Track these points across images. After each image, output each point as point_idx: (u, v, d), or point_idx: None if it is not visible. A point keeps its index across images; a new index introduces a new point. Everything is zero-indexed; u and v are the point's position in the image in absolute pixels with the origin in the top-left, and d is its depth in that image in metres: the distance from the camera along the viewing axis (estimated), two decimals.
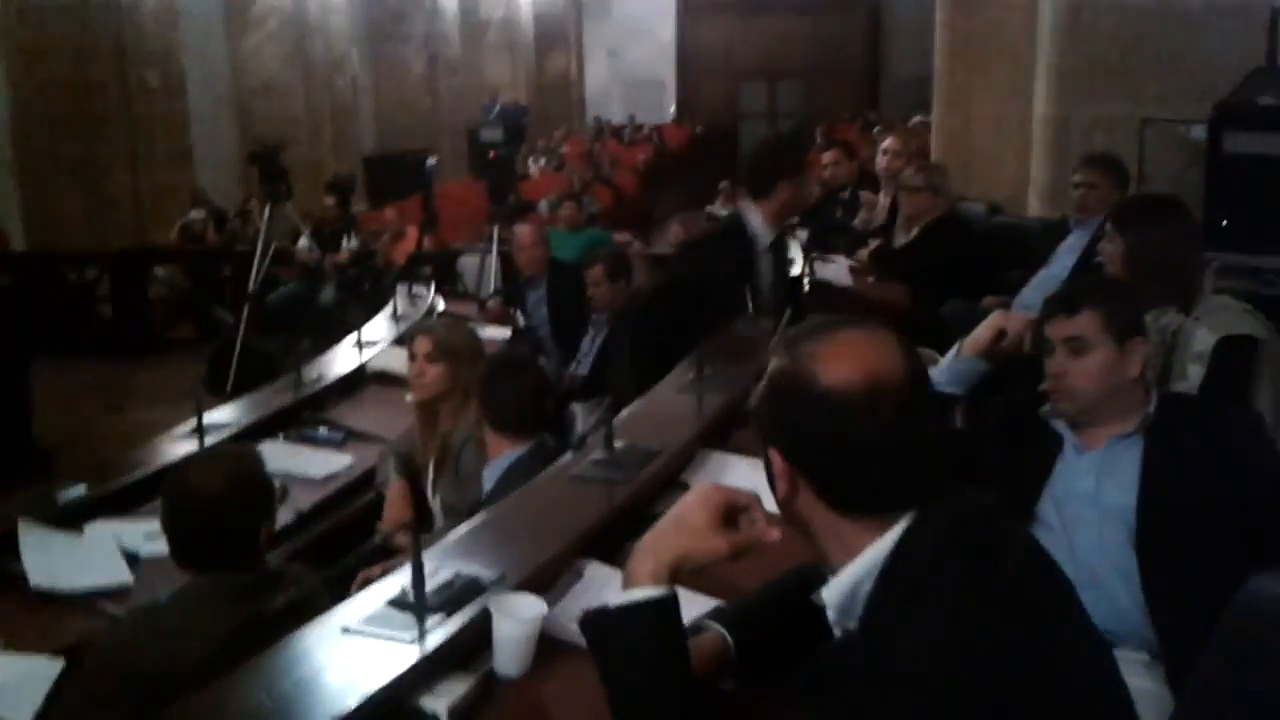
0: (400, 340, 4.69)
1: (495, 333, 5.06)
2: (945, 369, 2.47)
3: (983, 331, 2.45)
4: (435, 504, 3.26)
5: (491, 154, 6.82)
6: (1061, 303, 2.28)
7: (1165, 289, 3.03)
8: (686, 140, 18.24)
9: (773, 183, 3.65)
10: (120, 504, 3.08)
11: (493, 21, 17.40)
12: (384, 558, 2.85)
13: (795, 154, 3.97)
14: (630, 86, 20.64)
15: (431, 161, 8.46)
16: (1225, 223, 5.11)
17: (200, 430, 3.45)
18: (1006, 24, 7.16)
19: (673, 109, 20.26)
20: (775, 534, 1.41)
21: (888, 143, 6.06)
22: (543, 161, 13.94)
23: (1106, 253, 3.15)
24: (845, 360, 1.34)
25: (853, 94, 18.83)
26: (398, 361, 4.04)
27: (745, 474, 2.27)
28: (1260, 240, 5.06)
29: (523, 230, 5.93)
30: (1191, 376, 2.97)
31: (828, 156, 6.76)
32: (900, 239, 5.17)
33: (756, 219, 3.69)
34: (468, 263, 7.59)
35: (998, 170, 6.66)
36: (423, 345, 3.41)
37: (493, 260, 6.82)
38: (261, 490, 2.27)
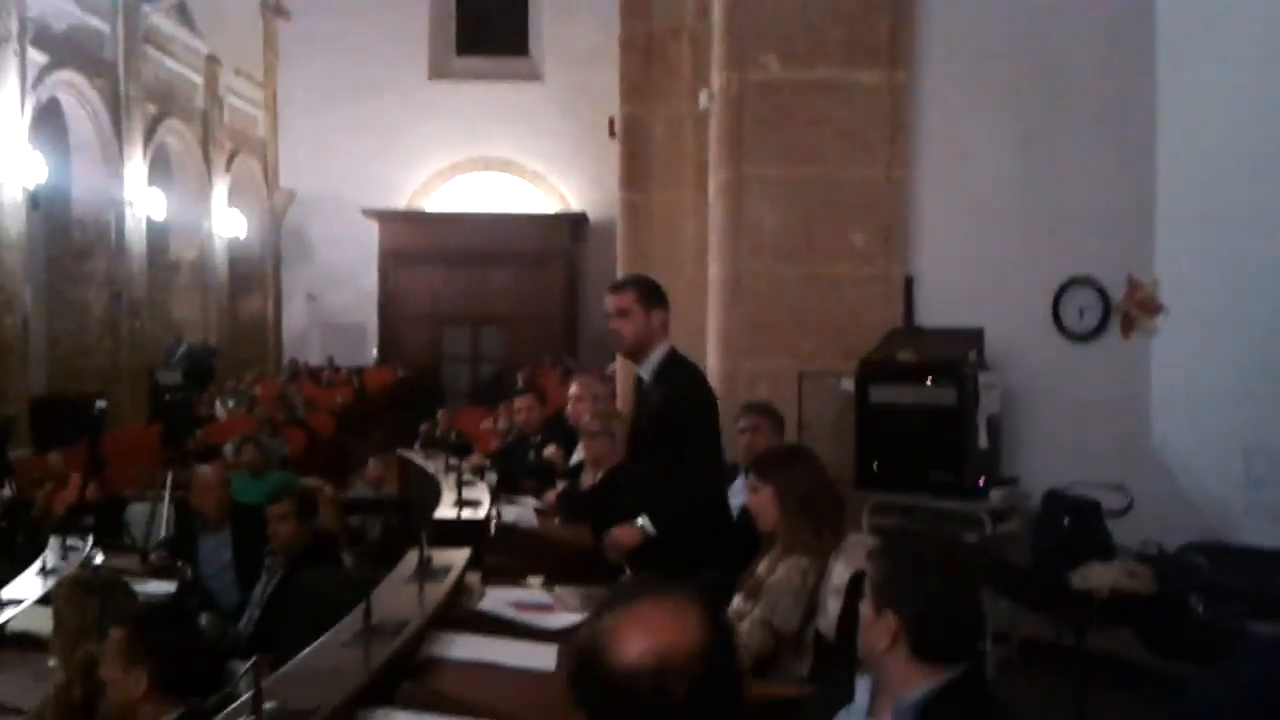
0: (46, 599, 4.28)
1: (158, 587, 4.75)
2: None
3: None
4: None
5: (168, 396, 6.55)
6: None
7: (815, 524, 3.27)
8: (389, 383, 18.18)
9: None
10: None
11: (184, 262, 17.00)
12: None
13: None
14: (331, 330, 20.52)
15: (101, 404, 7.99)
16: (876, 465, 5.62)
17: None
18: (675, 285, 7.73)
19: (375, 352, 20.23)
20: None
21: (573, 389, 6.24)
22: (232, 404, 13.44)
23: (756, 503, 3.36)
24: (637, 637, 1.31)
25: (553, 341, 19.56)
26: (42, 622, 3.72)
27: None
28: (907, 480, 5.57)
29: (205, 471, 5.69)
30: (831, 610, 3.17)
31: (520, 402, 6.99)
32: (588, 481, 5.31)
33: None
34: (137, 511, 7.12)
35: None
36: None
37: (164, 508, 6.45)
38: None
